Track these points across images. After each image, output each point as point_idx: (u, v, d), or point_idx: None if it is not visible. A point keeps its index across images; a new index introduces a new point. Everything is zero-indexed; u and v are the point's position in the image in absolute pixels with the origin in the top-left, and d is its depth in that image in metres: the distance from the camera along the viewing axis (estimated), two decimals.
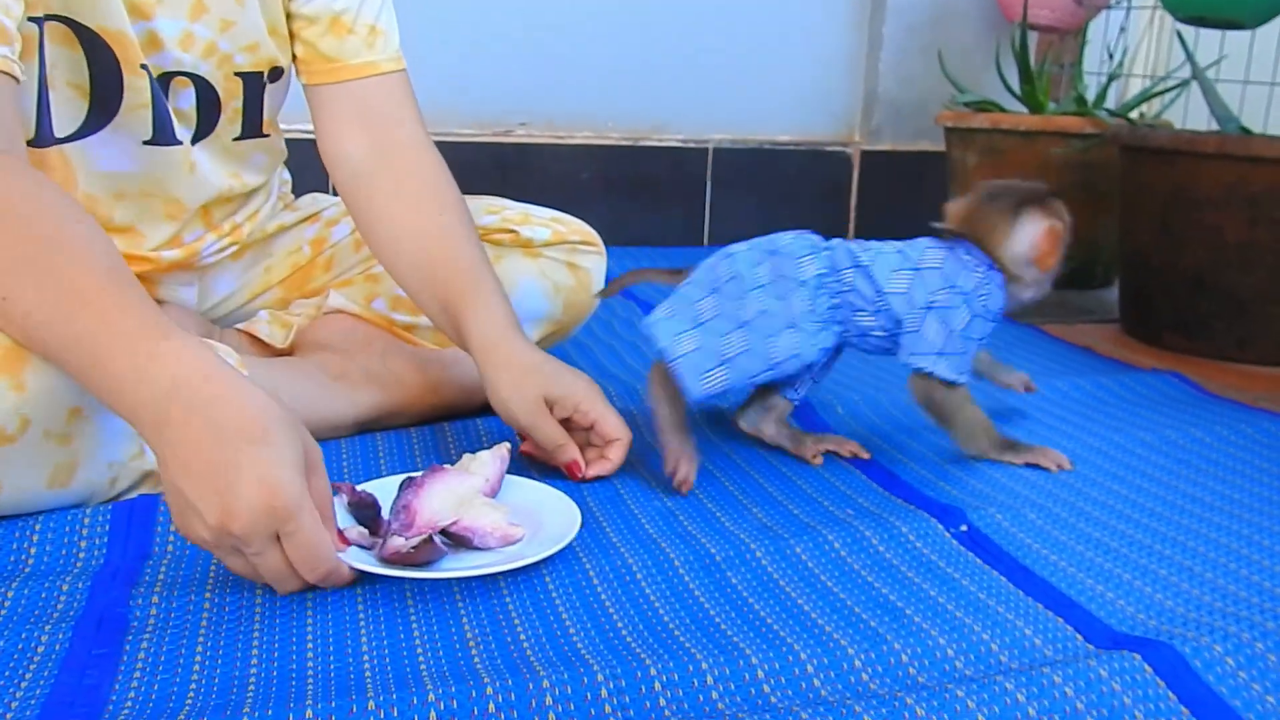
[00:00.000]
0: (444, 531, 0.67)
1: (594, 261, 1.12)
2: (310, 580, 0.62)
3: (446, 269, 0.88)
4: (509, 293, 1.08)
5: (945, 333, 0.85)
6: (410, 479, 0.70)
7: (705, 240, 2.04)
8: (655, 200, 2.00)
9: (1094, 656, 0.60)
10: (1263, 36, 1.56)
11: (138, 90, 0.83)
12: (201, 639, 0.59)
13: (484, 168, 1.89)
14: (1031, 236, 0.88)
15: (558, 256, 1.09)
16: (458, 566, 0.65)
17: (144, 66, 0.83)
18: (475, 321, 0.84)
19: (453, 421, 0.96)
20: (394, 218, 0.91)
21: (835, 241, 0.90)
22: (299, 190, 1.14)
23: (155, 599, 0.63)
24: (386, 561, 0.64)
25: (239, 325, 1.01)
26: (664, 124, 2.01)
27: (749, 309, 0.83)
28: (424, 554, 0.63)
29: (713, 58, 2.01)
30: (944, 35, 2.03)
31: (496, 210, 1.08)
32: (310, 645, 0.59)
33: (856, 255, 0.88)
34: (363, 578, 0.65)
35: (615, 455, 0.84)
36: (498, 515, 0.68)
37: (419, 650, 0.59)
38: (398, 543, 0.64)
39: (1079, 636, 0.64)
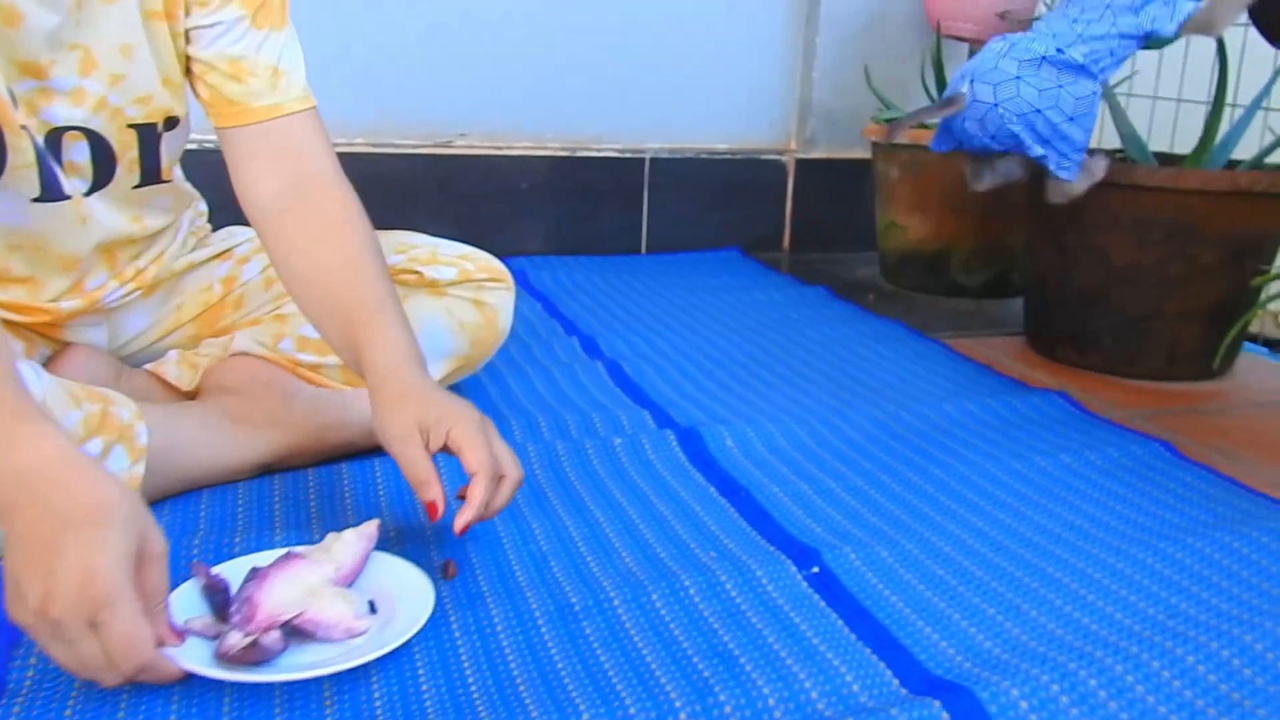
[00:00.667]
0: (287, 623, 0.66)
1: (501, 298, 1.16)
2: (126, 674, 0.60)
3: (350, 302, 0.89)
4: (414, 331, 1.13)
5: None
6: (256, 569, 0.70)
7: (644, 248, 2.08)
8: (594, 209, 2.04)
9: (900, 703, 0.65)
10: (1170, 55, 1.60)
11: (20, 151, 0.85)
12: (72, 706, 0.64)
13: (424, 179, 1.93)
14: None
15: (464, 294, 1.13)
16: (291, 665, 0.65)
17: (24, 128, 0.84)
18: (371, 352, 0.85)
19: (351, 461, 1.00)
20: (303, 253, 0.93)
21: None
22: (226, 217, 1.15)
23: (33, 661, 0.67)
24: (218, 659, 0.64)
25: (148, 366, 1.05)
26: (602, 134, 2.05)
27: None
28: (253, 655, 0.63)
29: (650, 68, 2.05)
30: (876, 45, 2.07)
31: (404, 249, 1.12)
32: None
33: None
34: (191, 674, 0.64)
35: (476, 495, 0.77)
36: (344, 607, 0.68)
37: None
38: (231, 640, 0.64)
39: (895, 681, 0.69)
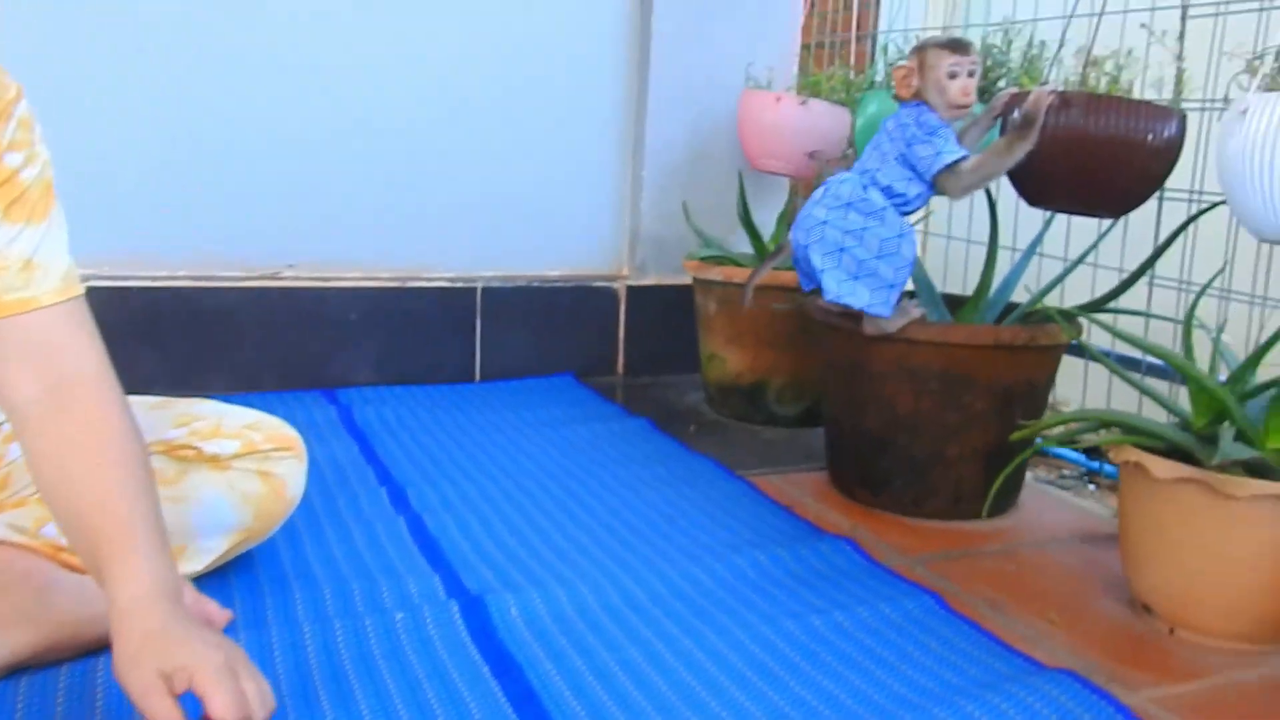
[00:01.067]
0: None
1: (289, 467, 1.15)
2: None
3: (99, 524, 0.86)
4: (192, 508, 1.10)
5: None
6: None
7: (478, 376, 2.10)
8: (426, 338, 2.05)
9: None
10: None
11: None
12: None
13: (250, 313, 1.92)
14: None
15: (249, 466, 1.12)
16: None
17: None
18: (113, 587, 0.82)
19: (109, 655, 0.97)
20: (56, 464, 0.89)
21: None
22: None
23: None
24: None
25: None
26: (434, 263, 2.07)
27: None
28: None
29: (482, 197, 2.09)
30: (700, 177, 2.16)
31: (186, 422, 1.11)
32: None
33: None
34: None
35: None
36: None
37: None
38: None
39: None
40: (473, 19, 2.01)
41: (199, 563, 1.10)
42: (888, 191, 1.34)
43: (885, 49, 2.09)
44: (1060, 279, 1.49)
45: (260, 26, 1.88)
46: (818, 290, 1.37)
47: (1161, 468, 1.04)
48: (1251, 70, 1.04)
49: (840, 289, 1.34)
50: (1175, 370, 1.12)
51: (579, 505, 1.43)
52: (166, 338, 1.86)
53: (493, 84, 2.05)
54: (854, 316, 1.37)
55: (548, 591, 1.13)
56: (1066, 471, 1.66)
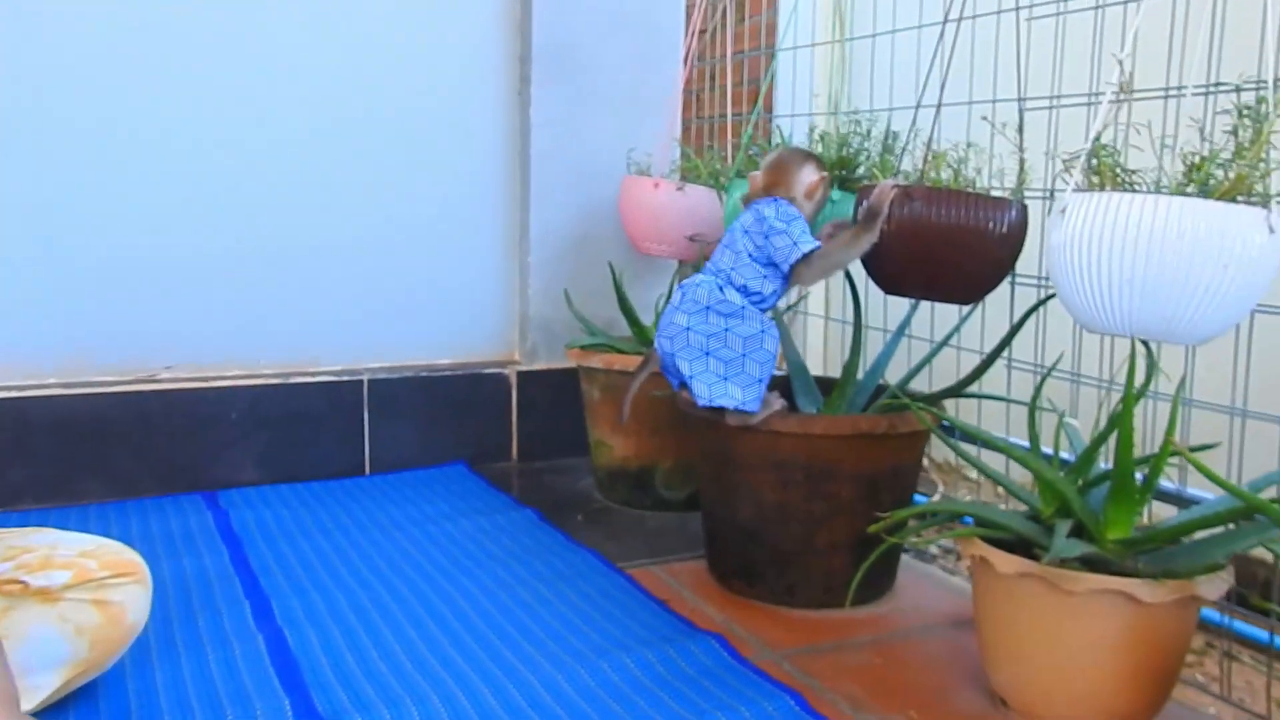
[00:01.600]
0: None
1: (128, 593, 1.12)
2: None
3: None
4: (18, 645, 1.06)
5: None
6: None
7: (367, 469, 2.06)
8: (312, 434, 2.01)
9: None
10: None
11: None
12: None
13: (124, 418, 1.87)
14: None
15: (82, 596, 1.08)
16: None
17: None
18: None
19: None
20: None
21: None
22: None
23: None
24: None
25: None
26: (317, 357, 2.04)
27: None
28: None
29: (367, 288, 2.07)
30: (585, 261, 2.17)
31: (13, 555, 1.07)
32: None
33: None
34: None
35: None
36: None
37: None
38: None
39: None
40: (351, 109, 2.01)
41: (29, 701, 1.05)
42: (744, 290, 1.36)
43: (779, 129, 2.14)
44: (925, 362, 1.51)
45: (127, 116, 1.86)
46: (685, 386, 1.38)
47: (1005, 563, 1.05)
48: (1068, 169, 1.07)
49: (712, 392, 1.35)
50: (1016, 462, 1.14)
51: (451, 609, 1.40)
52: (37, 448, 1.81)
53: (375, 174, 2.05)
54: (719, 409, 1.37)
55: (401, 710, 1.10)
56: (947, 543, 1.67)
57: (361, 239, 2.05)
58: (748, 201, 1.41)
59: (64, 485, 1.83)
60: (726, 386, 1.34)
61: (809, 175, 1.40)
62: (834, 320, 1.84)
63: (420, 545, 1.65)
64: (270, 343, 2.01)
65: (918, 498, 1.60)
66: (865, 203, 1.31)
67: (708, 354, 1.35)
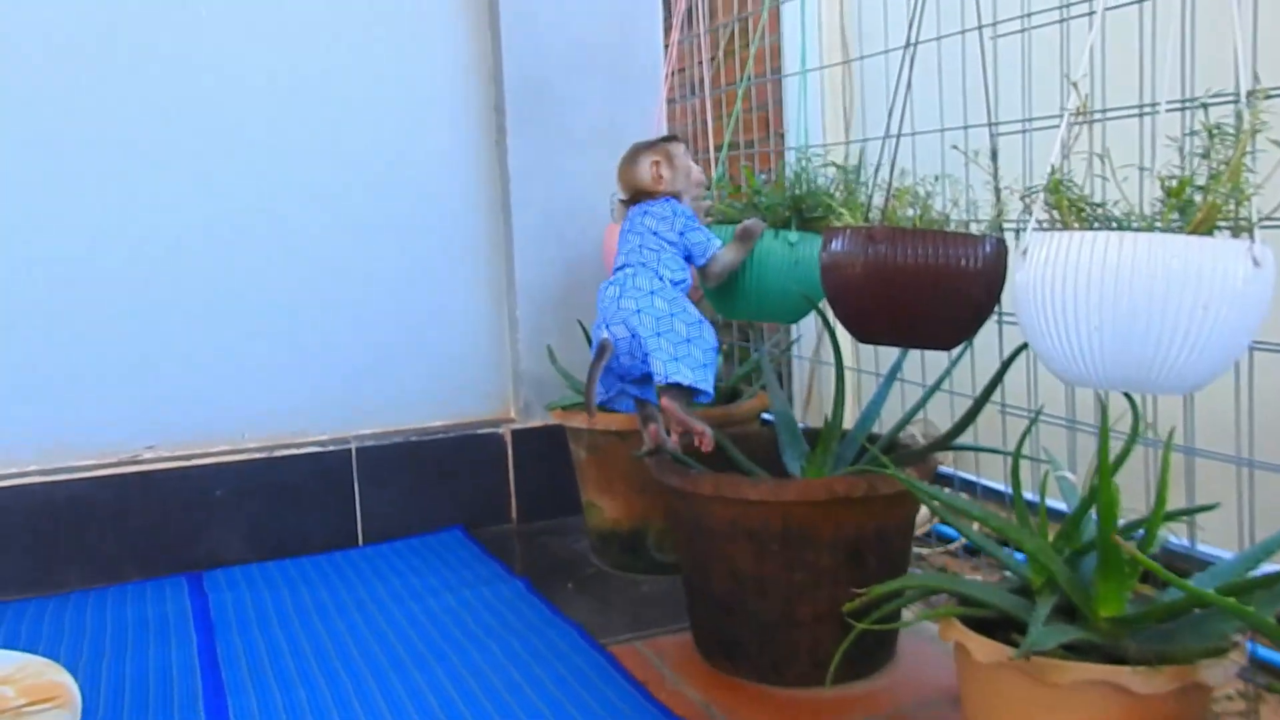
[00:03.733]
0: None
1: (53, 718, 1.05)
2: None
3: None
4: None
5: None
6: None
7: (360, 539, 1.99)
8: (301, 507, 1.95)
9: None
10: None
11: None
12: None
13: (104, 501, 1.82)
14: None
15: None
16: None
17: None
18: None
19: None
20: None
21: None
22: None
23: None
24: None
25: None
26: (304, 428, 1.99)
27: None
28: None
29: (351, 354, 2.02)
30: (574, 311, 2.08)
31: None
32: None
33: None
34: None
35: None
36: None
37: None
38: None
39: None
40: (326, 176, 1.97)
41: None
42: (672, 282, 1.42)
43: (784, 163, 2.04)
44: (915, 410, 1.40)
45: (98, 190, 1.83)
46: (604, 406, 1.44)
47: (982, 650, 0.94)
48: (1027, 208, 0.96)
49: (668, 368, 1.35)
50: (996, 533, 1.03)
51: (416, 705, 1.32)
52: (14, 537, 1.77)
53: (353, 238, 2.00)
54: (689, 478, 1.28)
55: None
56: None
57: (343, 305, 2.00)
58: (634, 201, 1.49)
59: (44, 574, 1.79)
60: (679, 366, 1.35)
61: (682, 151, 1.51)
62: (824, 363, 1.73)
63: (398, 627, 1.57)
64: (255, 416, 1.96)
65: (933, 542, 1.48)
66: (744, 224, 1.46)
67: (659, 335, 1.37)
